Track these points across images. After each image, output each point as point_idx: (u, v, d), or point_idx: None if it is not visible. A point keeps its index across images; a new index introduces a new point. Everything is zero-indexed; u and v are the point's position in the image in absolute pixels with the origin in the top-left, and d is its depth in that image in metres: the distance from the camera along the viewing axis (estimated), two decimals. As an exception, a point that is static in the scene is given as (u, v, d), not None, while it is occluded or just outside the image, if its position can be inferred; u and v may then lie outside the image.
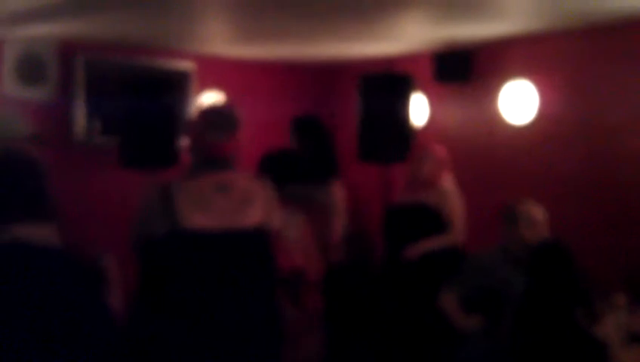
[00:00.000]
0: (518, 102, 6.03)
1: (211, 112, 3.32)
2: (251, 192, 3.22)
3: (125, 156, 5.63)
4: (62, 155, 5.88)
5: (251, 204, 3.18)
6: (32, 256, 2.29)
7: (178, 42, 6.48)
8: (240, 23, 5.68)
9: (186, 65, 6.91)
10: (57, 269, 2.32)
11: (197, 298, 3.09)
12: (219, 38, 6.41)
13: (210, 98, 6.99)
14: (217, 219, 3.10)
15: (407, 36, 6.05)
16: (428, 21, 5.49)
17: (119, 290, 2.55)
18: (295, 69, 7.68)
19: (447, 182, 5.27)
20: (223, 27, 6.03)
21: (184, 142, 6.38)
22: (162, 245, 3.08)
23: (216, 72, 7.11)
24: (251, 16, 5.28)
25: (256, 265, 3.21)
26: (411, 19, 5.44)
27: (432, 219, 5.09)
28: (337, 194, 5.68)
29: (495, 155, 6.29)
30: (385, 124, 5.65)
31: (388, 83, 5.84)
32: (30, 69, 5.99)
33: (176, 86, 6.76)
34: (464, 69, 6.41)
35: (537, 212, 4.24)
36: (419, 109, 6.53)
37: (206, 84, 7.03)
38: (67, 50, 6.22)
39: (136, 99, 5.77)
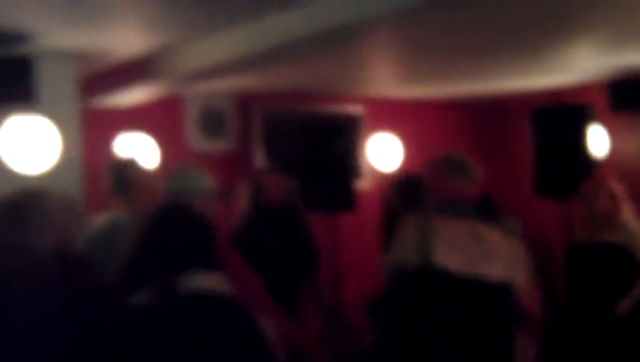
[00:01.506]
0: None
1: (453, 159, 3.39)
2: (500, 246, 3.19)
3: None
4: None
5: (499, 258, 3.15)
6: (210, 306, 2.33)
7: (347, 87, 6.63)
8: (407, 64, 5.75)
9: (355, 108, 7.05)
10: (230, 318, 2.36)
11: (430, 337, 3.12)
12: (386, 81, 6.51)
13: (381, 140, 7.08)
14: (467, 265, 3.10)
15: (578, 67, 5.90)
16: (599, 50, 5.33)
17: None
18: (462, 106, 7.66)
19: (630, 220, 4.92)
20: (390, 70, 6.11)
21: (359, 184, 6.57)
22: (412, 278, 3.12)
23: (385, 113, 7.21)
24: (418, 58, 5.33)
25: (495, 318, 3.18)
26: (582, 50, 5.30)
27: (625, 262, 4.70)
28: None
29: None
30: (562, 157, 5.50)
31: (563, 114, 5.69)
32: (211, 122, 6.33)
33: (348, 130, 6.91)
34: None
35: None
36: (596, 141, 6.31)
37: (376, 127, 7.13)
38: (244, 102, 6.51)
39: (311, 146, 5.95)
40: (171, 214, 2.47)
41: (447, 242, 3.11)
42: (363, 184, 6.85)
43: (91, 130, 5.33)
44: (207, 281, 2.34)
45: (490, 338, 3.16)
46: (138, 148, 5.68)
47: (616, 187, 4.86)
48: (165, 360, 2.23)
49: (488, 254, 3.14)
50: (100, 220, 3.78)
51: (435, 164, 3.39)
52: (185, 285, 2.31)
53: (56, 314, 2.52)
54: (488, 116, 7.77)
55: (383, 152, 7.11)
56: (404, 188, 4.49)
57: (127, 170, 3.86)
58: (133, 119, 5.84)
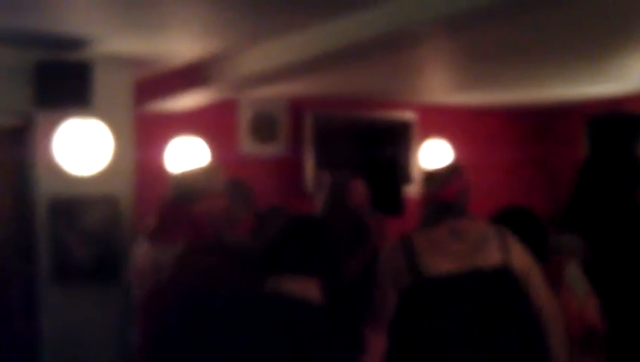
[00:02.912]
0: None
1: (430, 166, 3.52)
2: (484, 236, 3.28)
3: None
4: (294, 205, 6.16)
5: (485, 248, 3.25)
6: (287, 307, 2.50)
7: (400, 93, 6.62)
8: (460, 71, 5.72)
9: (408, 115, 7.03)
10: (309, 323, 2.50)
11: (447, 342, 3.16)
12: (439, 88, 6.48)
13: (433, 146, 7.06)
14: (455, 262, 3.20)
15: (637, 75, 5.79)
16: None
17: None
18: (516, 113, 7.58)
19: None
20: (443, 77, 6.09)
21: (409, 190, 6.57)
22: (409, 295, 3.19)
23: (437, 120, 7.18)
24: (471, 65, 5.30)
25: (502, 302, 3.23)
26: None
27: None
28: None
29: None
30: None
31: (620, 123, 5.60)
32: (263, 127, 6.38)
33: (400, 135, 6.90)
34: None
35: None
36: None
37: (428, 133, 7.10)
38: (296, 107, 6.56)
39: (362, 150, 5.96)
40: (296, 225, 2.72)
41: (431, 248, 3.21)
42: (414, 190, 6.83)
43: (145, 135, 5.43)
44: (293, 285, 2.54)
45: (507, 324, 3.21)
46: (191, 152, 5.76)
47: None
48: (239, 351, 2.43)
49: (475, 245, 3.23)
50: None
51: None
52: (272, 285, 2.54)
53: None
54: (544, 124, 7.68)
55: (435, 158, 7.08)
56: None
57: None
58: (187, 123, 5.92)
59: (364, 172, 5.82)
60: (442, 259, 3.19)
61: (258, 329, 2.46)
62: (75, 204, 4.33)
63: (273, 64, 4.54)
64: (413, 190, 6.78)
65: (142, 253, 3.24)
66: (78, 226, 4.32)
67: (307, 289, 2.55)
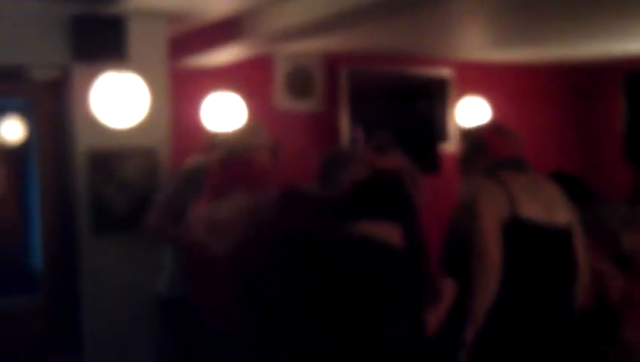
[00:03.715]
0: None
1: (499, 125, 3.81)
2: (555, 193, 3.50)
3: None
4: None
5: (559, 204, 3.46)
6: (373, 250, 2.76)
7: (437, 49, 6.57)
8: (499, 27, 5.66)
9: (444, 71, 6.99)
10: (390, 265, 2.74)
11: (531, 288, 3.34)
12: (477, 44, 6.42)
13: (470, 103, 7.01)
14: (543, 211, 3.38)
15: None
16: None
17: (443, 313, 2.96)
18: (555, 71, 7.50)
19: None
20: (481, 33, 6.03)
21: (446, 147, 6.56)
22: (507, 235, 3.33)
23: (475, 77, 7.12)
24: (510, 20, 5.24)
25: (569, 260, 3.44)
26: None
27: None
28: None
29: None
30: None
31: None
32: (299, 82, 6.39)
33: (436, 92, 6.87)
34: None
35: None
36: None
37: (465, 90, 7.06)
38: (332, 62, 6.55)
39: (397, 107, 5.94)
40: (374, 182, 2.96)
41: (524, 193, 3.37)
42: (450, 147, 6.82)
43: (181, 90, 5.47)
44: (374, 229, 2.79)
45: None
46: (226, 107, 5.80)
47: None
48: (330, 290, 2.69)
49: (553, 201, 3.44)
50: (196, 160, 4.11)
51: (489, 129, 3.73)
52: (359, 229, 2.80)
53: None
54: (581, 81, 7.59)
55: (472, 115, 7.04)
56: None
57: None
58: (222, 79, 5.95)
59: (398, 128, 5.85)
60: (534, 205, 3.36)
61: (349, 269, 2.72)
62: (112, 156, 4.41)
63: (308, 17, 4.53)
64: (449, 147, 6.77)
65: (210, 210, 3.47)
66: (116, 178, 4.40)
67: (390, 233, 2.81)
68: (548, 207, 3.39)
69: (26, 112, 5.61)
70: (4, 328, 4.31)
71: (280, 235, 3.13)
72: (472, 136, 3.74)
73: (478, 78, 7.15)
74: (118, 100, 4.38)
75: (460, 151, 3.85)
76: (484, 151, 3.58)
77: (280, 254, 3.05)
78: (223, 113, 5.76)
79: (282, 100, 6.38)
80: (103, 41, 4.26)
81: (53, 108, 4.51)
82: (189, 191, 3.78)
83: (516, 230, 3.31)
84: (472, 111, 7.03)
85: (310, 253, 2.87)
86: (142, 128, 4.49)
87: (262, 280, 3.04)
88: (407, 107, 6.57)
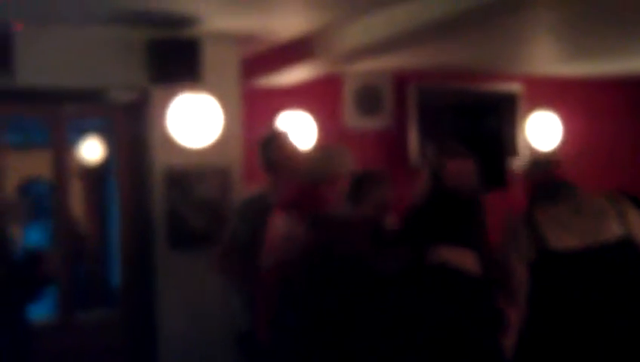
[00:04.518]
0: None
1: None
2: (602, 209, 3.42)
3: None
4: (399, 178, 6.22)
5: (604, 220, 3.38)
6: (452, 277, 2.66)
7: (506, 65, 6.56)
8: (569, 41, 5.63)
9: (514, 86, 6.96)
10: (471, 293, 2.66)
11: (581, 316, 3.31)
12: (546, 58, 6.39)
13: (540, 118, 6.97)
14: (578, 239, 3.34)
15: None
16: None
17: (514, 337, 2.97)
18: (627, 85, 7.38)
19: None
20: (550, 47, 6.00)
21: (515, 163, 6.53)
22: (538, 269, 3.33)
23: (545, 92, 7.07)
24: (582, 33, 5.21)
25: (627, 274, 3.36)
26: None
27: None
28: None
29: None
30: None
31: None
32: (368, 100, 6.47)
33: (505, 108, 6.85)
34: None
35: None
36: None
37: (535, 105, 7.01)
38: (400, 80, 6.60)
39: (466, 123, 5.95)
40: (441, 199, 2.90)
41: (555, 225, 3.36)
42: (518, 163, 6.77)
43: (253, 109, 5.60)
44: (450, 255, 2.67)
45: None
46: (297, 126, 5.90)
47: None
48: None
49: (595, 219, 3.37)
50: (249, 193, 4.15)
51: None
52: (431, 257, 2.68)
53: None
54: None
55: (542, 131, 6.99)
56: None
57: (270, 145, 4.06)
58: (292, 98, 6.06)
59: (468, 144, 5.84)
60: (566, 236, 3.33)
61: (424, 297, 2.62)
62: (188, 174, 4.55)
63: (377, 37, 4.60)
64: (518, 163, 6.73)
65: (278, 226, 3.49)
66: (191, 195, 4.54)
67: (464, 259, 2.68)
68: (588, 229, 3.36)
69: (105, 133, 5.82)
70: (84, 339, 4.47)
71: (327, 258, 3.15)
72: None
73: (549, 93, 7.09)
74: (193, 120, 4.52)
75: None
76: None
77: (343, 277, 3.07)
78: (294, 132, 5.86)
79: (352, 118, 6.45)
80: (178, 64, 4.41)
81: (132, 128, 4.68)
82: (247, 225, 3.81)
83: (547, 263, 3.33)
84: (542, 127, 6.98)
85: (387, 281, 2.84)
86: (216, 147, 4.63)
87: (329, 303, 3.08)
88: (476, 123, 6.58)
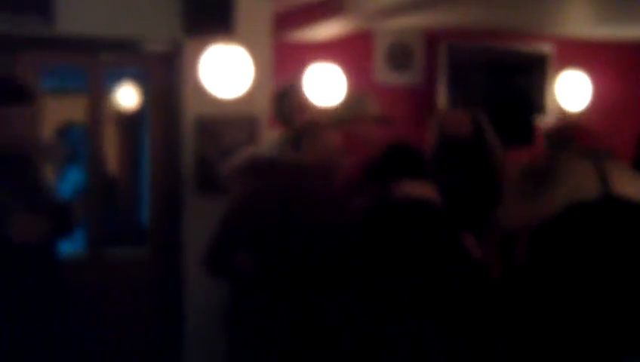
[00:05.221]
0: None
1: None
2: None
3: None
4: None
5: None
6: (414, 210, 2.93)
7: (537, 25, 6.58)
8: (601, 3, 5.63)
9: (544, 47, 7.00)
10: (433, 223, 2.91)
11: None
12: (578, 20, 6.39)
13: (570, 77, 7.00)
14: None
15: None
16: None
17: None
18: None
19: None
20: (582, 9, 6.01)
21: (542, 121, 6.59)
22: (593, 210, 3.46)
23: (575, 53, 7.09)
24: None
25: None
26: None
27: None
28: None
29: None
30: None
31: None
32: (398, 57, 6.56)
33: (535, 67, 6.89)
34: None
35: None
36: None
37: (565, 66, 7.04)
38: (431, 38, 6.67)
39: (495, 82, 6.02)
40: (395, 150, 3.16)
41: (616, 175, 3.51)
42: (546, 121, 6.84)
43: (283, 62, 5.72)
44: (415, 189, 2.98)
45: None
46: (326, 79, 6.02)
47: None
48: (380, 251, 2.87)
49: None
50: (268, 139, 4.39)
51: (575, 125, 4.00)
52: (397, 191, 2.98)
53: None
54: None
55: (571, 91, 7.03)
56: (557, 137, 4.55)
57: (284, 98, 4.18)
58: (323, 53, 6.16)
59: (495, 102, 5.93)
60: (625, 183, 3.49)
61: (402, 231, 2.89)
62: (217, 123, 4.70)
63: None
64: (546, 121, 6.79)
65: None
66: (220, 143, 4.70)
67: (428, 192, 2.98)
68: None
69: (140, 81, 5.98)
70: (112, 274, 4.70)
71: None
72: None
73: (579, 55, 7.11)
74: (224, 72, 4.65)
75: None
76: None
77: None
78: (324, 84, 5.99)
79: (382, 74, 6.56)
80: (211, 16, 4.53)
81: (165, 78, 4.82)
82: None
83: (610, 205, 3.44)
84: (571, 87, 7.02)
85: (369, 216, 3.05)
86: (246, 98, 4.76)
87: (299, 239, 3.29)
88: (505, 82, 6.64)
